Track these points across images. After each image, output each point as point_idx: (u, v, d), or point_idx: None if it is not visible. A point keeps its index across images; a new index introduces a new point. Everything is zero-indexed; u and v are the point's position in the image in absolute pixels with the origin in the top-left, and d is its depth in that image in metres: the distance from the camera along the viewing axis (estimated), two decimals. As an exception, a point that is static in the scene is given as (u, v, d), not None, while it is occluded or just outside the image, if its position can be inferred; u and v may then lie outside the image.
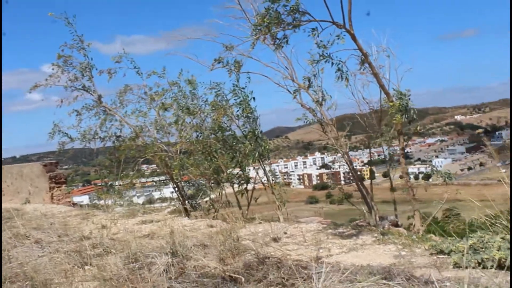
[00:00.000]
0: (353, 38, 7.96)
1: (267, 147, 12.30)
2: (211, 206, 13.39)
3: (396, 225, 9.70)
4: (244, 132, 12.40)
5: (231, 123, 12.79)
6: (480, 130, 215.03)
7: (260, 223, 10.88)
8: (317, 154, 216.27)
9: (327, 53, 7.97)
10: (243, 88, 11.94)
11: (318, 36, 7.71)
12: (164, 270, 7.04)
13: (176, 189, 14.62)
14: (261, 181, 12.64)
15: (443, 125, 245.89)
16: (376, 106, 11.03)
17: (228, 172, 12.82)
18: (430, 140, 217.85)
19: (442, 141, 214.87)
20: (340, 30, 7.83)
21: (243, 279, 6.29)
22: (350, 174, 11.40)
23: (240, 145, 12.34)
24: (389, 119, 10.74)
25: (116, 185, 17.22)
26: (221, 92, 12.45)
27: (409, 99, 8.82)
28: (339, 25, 7.78)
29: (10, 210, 16.41)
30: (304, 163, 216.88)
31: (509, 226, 6.36)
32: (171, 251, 7.63)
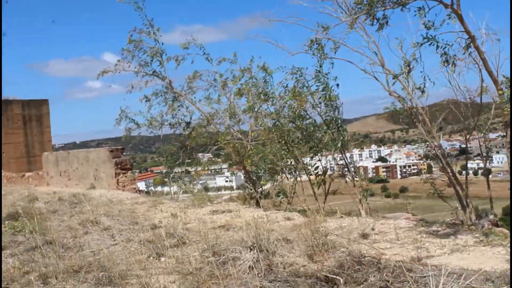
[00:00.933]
0: (460, 19, 7.17)
1: (347, 138, 11.61)
2: (285, 196, 12.80)
3: (496, 224, 8.85)
4: (325, 121, 11.71)
5: (311, 111, 12.14)
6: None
7: (342, 217, 10.24)
8: (373, 147, 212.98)
9: (431, 35, 7.21)
10: (327, 74, 11.29)
11: (425, 16, 6.96)
12: (249, 266, 6.52)
13: (247, 178, 14.09)
14: (341, 172, 11.95)
15: (504, 119, 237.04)
16: (475, 95, 10.21)
17: (305, 162, 12.22)
18: (491, 135, 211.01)
19: (503, 136, 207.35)
20: (446, 10, 7.07)
21: (341, 280, 5.67)
22: (444, 168, 10.51)
23: (320, 134, 11.67)
24: (486, 110, 9.95)
25: (179, 172, 16.97)
26: (302, 78, 11.79)
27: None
28: (446, 4, 7.01)
29: (77, 195, 16.31)
30: (360, 155, 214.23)
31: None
32: (255, 245, 7.08)
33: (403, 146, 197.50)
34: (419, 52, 7.55)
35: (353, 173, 11.60)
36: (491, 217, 9.62)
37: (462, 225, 8.76)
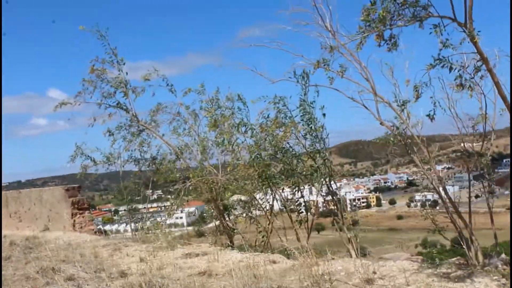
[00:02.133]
0: (473, 40, 6.57)
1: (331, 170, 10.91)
2: (263, 237, 11.92)
3: (508, 264, 8.15)
4: (310, 153, 10.98)
5: (293, 142, 11.40)
6: (487, 158, 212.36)
7: (333, 258, 9.40)
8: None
9: (443, 56, 6.57)
10: (312, 103, 10.58)
11: (441, 34, 6.31)
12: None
13: (219, 215, 13.15)
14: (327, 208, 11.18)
15: (450, 152, 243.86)
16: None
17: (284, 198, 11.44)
18: (437, 168, 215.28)
19: (449, 168, 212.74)
20: (460, 28, 6.47)
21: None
22: (443, 201, 9.85)
23: (302, 166, 10.91)
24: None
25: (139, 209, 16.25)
26: (284, 108, 11.04)
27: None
28: (460, 23, 6.40)
29: (30, 239, 15.05)
30: (310, 189, 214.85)
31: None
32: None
33: (351, 180, 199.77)
34: (428, 76, 6.88)
35: (341, 209, 10.85)
36: (503, 256, 8.94)
37: (473, 266, 8.03)
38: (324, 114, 10.86)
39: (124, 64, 13.84)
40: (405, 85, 8.79)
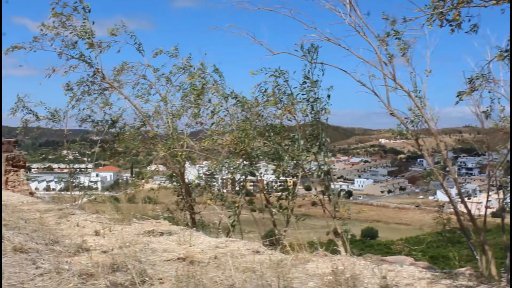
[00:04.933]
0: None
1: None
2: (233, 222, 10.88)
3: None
4: (308, 137, 10.06)
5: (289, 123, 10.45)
6: (402, 156, 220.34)
7: (326, 255, 8.50)
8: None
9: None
10: (316, 82, 9.61)
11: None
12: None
13: (184, 189, 12.05)
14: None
15: (368, 146, 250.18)
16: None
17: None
18: (354, 160, 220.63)
19: (365, 161, 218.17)
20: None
21: None
22: (452, 203, 9.13)
23: (297, 152, 9.98)
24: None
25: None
26: (285, 83, 10.01)
27: None
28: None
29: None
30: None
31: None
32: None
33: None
34: (488, 67, 6.07)
35: (334, 200, 9.99)
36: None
37: (489, 277, 7.33)
38: (329, 96, 9.97)
39: (89, 11, 12.40)
40: (425, 75, 7.97)
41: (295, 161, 10.41)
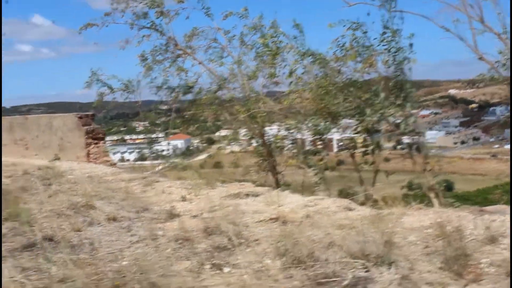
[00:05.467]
0: None
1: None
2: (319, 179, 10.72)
3: None
4: (392, 91, 9.72)
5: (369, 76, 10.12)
6: (474, 105, 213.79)
7: (421, 208, 8.23)
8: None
9: None
10: (396, 31, 9.22)
11: None
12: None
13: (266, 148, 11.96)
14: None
15: (437, 98, 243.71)
16: None
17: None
18: (424, 112, 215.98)
19: (436, 113, 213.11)
20: None
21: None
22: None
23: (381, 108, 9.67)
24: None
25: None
26: (363, 36, 9.66)
27: None
28: None
29: (43, 168, 13.68)
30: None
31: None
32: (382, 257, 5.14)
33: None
34: None
35: (425, 153, 9.67)
36: None
37: None
38: (411, 44, 9.56)
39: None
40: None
41: (379, 115, 10.06)
